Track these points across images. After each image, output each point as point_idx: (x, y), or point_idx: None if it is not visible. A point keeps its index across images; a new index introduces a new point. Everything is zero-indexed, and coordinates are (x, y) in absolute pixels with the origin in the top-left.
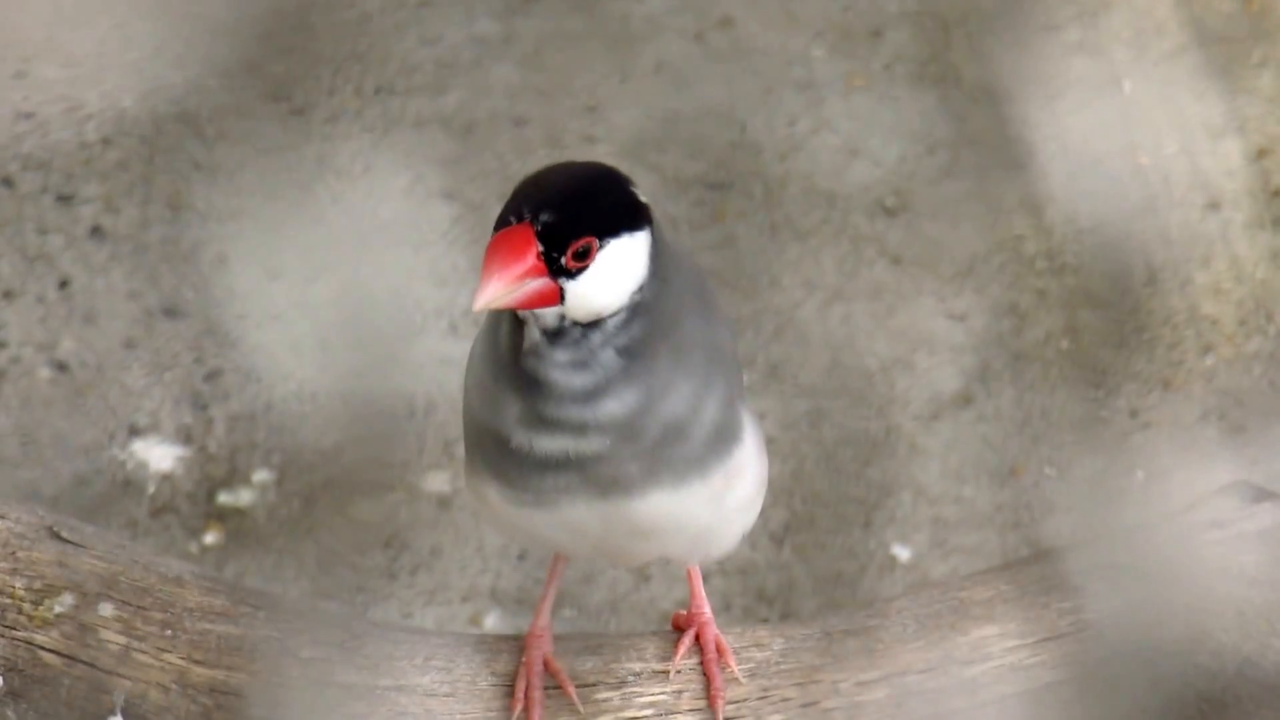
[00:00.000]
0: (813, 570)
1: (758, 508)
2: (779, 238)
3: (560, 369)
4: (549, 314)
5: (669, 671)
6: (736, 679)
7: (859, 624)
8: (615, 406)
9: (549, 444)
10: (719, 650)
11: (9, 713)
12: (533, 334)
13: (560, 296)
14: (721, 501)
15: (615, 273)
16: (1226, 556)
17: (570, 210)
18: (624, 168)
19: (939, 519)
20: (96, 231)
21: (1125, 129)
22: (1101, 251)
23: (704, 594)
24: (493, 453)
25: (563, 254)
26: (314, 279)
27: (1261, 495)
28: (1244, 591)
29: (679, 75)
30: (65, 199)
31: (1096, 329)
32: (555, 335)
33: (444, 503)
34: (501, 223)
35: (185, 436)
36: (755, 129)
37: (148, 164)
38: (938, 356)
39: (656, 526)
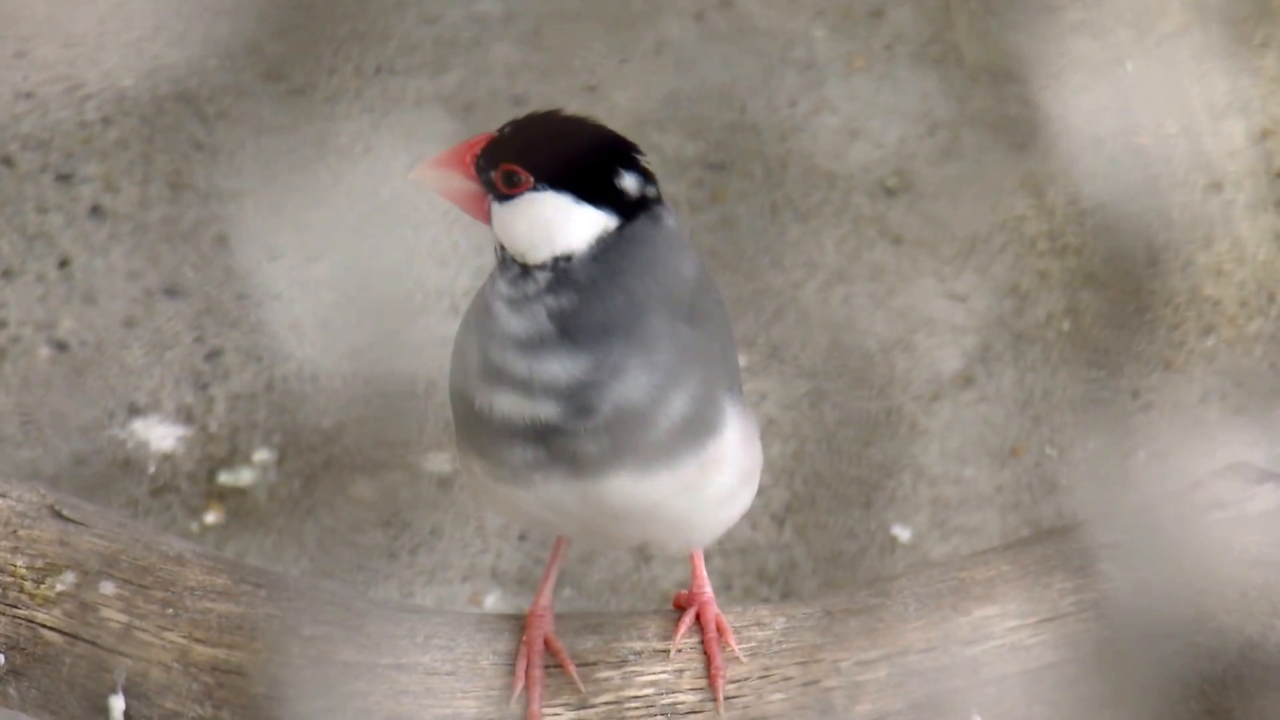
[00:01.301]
0: (813, 550)
1: (745, 500)
2: (779, 218)
3: (502, 301)
4: (495, 239)
5: (670, 650)
6: (737, 658)
7: (860, 603)
8: (556, 369)
9: (503, 403)
10: (720, 629)
11: (11, 691)
12: (493, 285)
13: (488, 216)
14: (697, 492)
15: (535, 221)
16: (1228, 538)
17: (523, 138)
18: None
19: (939, 499)
20: (96, 211)
21: (1127, 110)
22: (1103, 232)
23: (705, 574)
24: (468, 421)
25: (491, 169)
26: (315, 259)
27: (1263, 476)
28: (1246, 573)
29: (679, 55)
30: (65, 178)
31: (1098, 310)
32: (502, 265)
33: (444, 482)
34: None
35: (186, 416)
36: (756, 109)
37: (148, 143)
38: (938, 337)
39: (629, 510)
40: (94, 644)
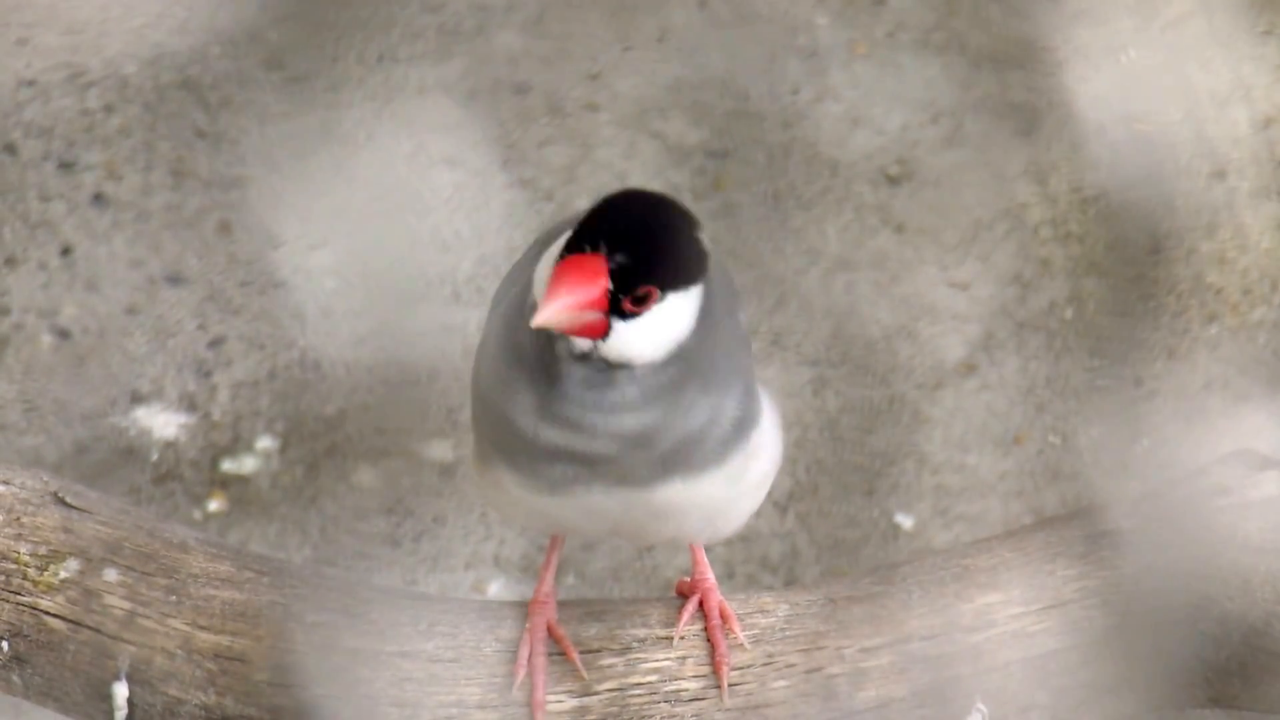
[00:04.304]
0: (816, 538)
1: (770, 482)
2: (782, 206)
3: (579, 384)
4: (584, 341)
5: (673, 638)
6: (741, 645)
7: (863, 591)
8: (631, 422)
9: (556, 437)
10: (724, 616)
11: (14, 678)
12: (561, 347)
13: (606, 333)
14: (739, 482)
15: (665, 325)
16: (1231, 524)
17: (644, 254)
18: (626, 136)
19: (942, 487)
20: (99, 198)
21: (1130, 97)
22: (1106, 220)
23: (706, 561)
24: (504, 438)
25: (626, 296)
26: (317, 246)
27: (1266, 463)
28: (1249, 559)
29: (682, 43)
30: (67, 166)
31: (1101, 297)
32: (582, 358)
33: (447, 470)
34: (574, 246)
35: (189, 404)
36: (758, 97)
37: (150, 131)
38: (941, 325)
39: (674, 509)
40: (97, 631)
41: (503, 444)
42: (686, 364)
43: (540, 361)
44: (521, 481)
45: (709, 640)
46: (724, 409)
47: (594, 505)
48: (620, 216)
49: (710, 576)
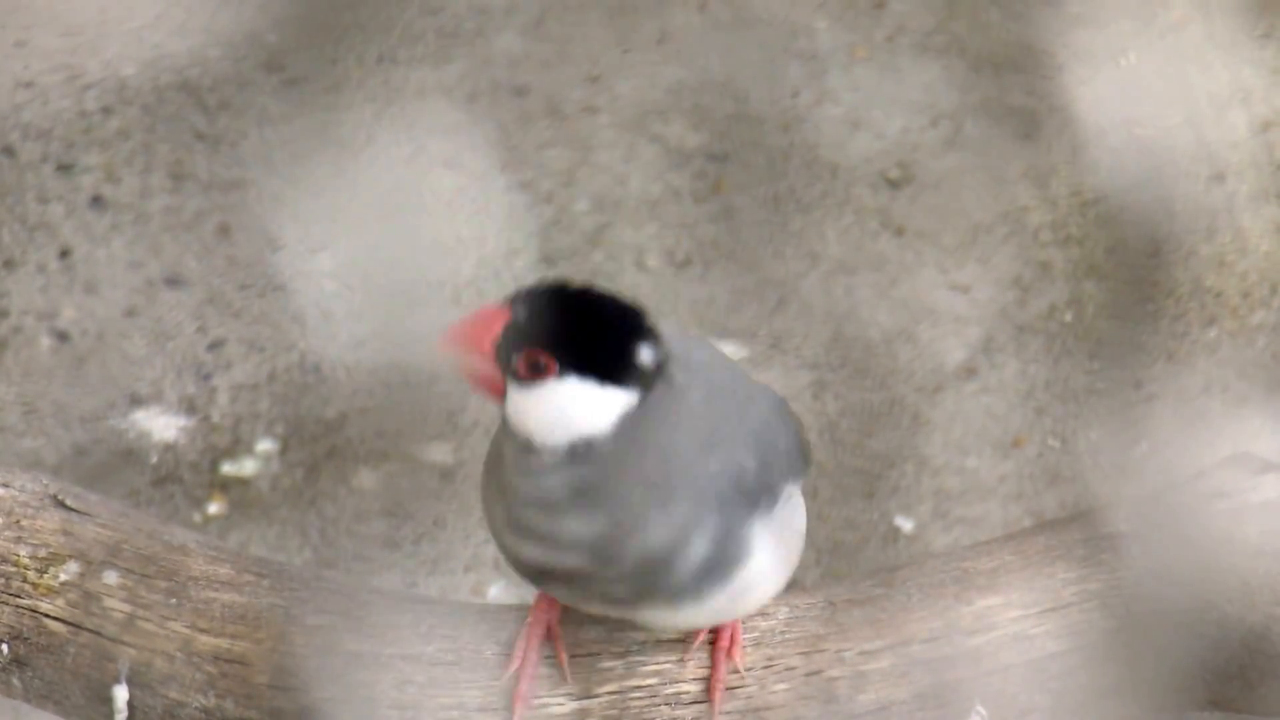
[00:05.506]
0: (815, 541)
1: (784, 581)
2: (782, 209)
3: (514, 473)
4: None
5: (677, 640)
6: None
7: (863, 593)
8: (578, 527)
9: (529, 551)
10: (731, 639)
11: (14, 681)
12: (506, 428)
13: (503, 395)
14: (729, 614)
15: (558, 408)
16: (1230, 528)
17: (548, 321)
18: (626, 139)
19: (942, 490)
20: (97, 201)
21: (1130, 101)
22: (1106, 223)
23: None
24: (497, 542)
25: (514, 353)
26: (317, 249)
27: (1265, 467)
28: (1248, 563)
29: (682, 46)
30: (66, 168)
31: (1100, 301)
32: (507, 431)
33: (446, 473)
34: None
35: (188, 406)
36: (758, 100)
37: (149, 133)
38: (941, 328)
39: (665, 626)
40: (97, 634)
41: (497, 544)
42: (616, 469)
43: (499, 463)
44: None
45: (711, 659)
46: (689, 541)
47: (591, 610)
48: (555, 285)
49: None
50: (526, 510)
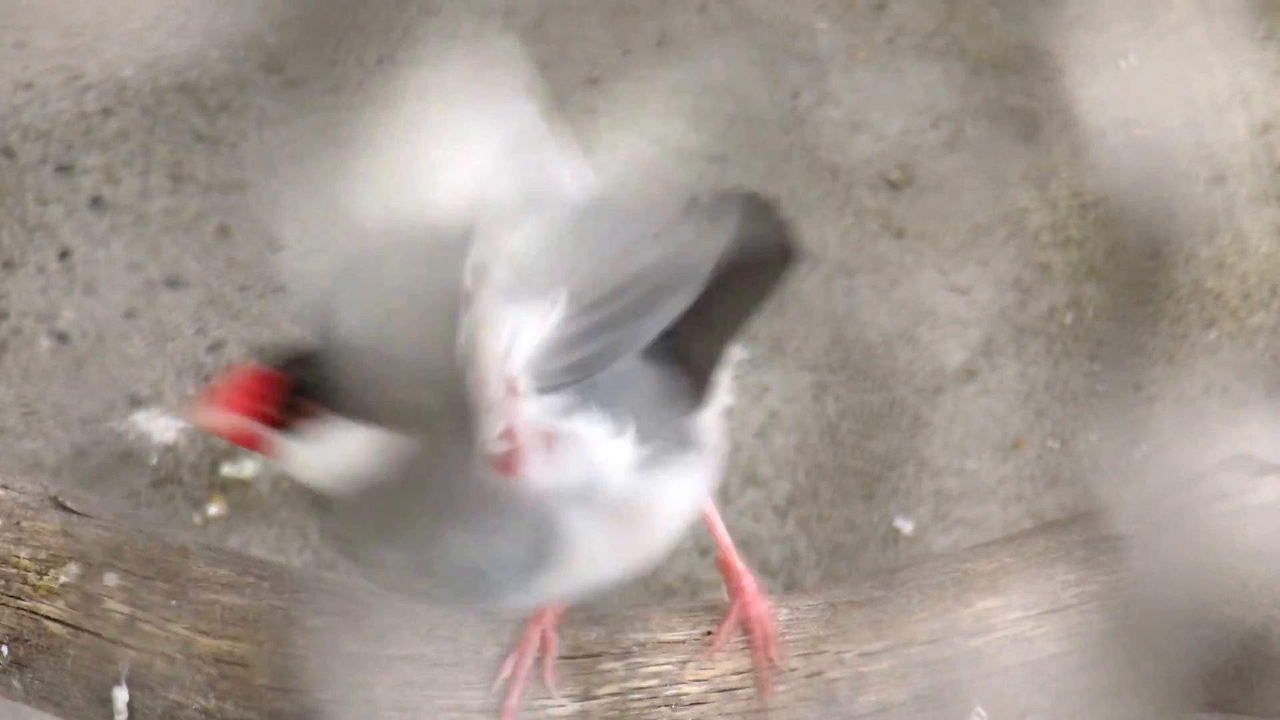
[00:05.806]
0: (815, 543)
1: (648, 547)
2: (781, 211)
3: (324, 512)
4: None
5: (677, 642)
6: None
7: (863, 595)
8: (390, 554)
9: (365, 573)
10: (765, 639)
11: (14, 682)
12: None
13: (272, 451)
14: (584, 585)
15: (333, 454)
16: (1230, 530)
17: (304, 372)
18: (626, 141)
19: (942, 492)
20: (97, 202)
21: (1129, 102)
22: (1106, 225)
23: (738, 561)
24: None
25: (282, 409)
26: (316, 250)
27: (1265, 469)
28: (1247, 565)
29: (682, 48)
30: (65, 169)
31: (1100, 303)
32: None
33: None
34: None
35: None
36: (758, 102)
37: (148, 134)
38: (941, 330)
39: (529, 606)
40: (98, 635)
41: None
42: (396, 500)
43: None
44: None
45: (755, 667)
46: (496, 547)
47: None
48: (289, 352)
49: (748, 578)
50: (346, 542)
